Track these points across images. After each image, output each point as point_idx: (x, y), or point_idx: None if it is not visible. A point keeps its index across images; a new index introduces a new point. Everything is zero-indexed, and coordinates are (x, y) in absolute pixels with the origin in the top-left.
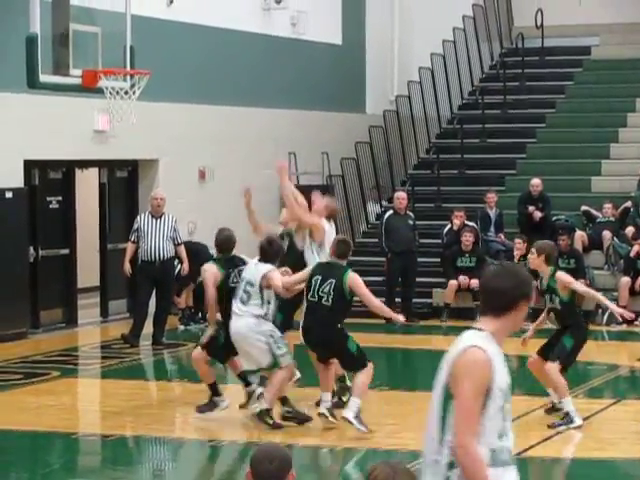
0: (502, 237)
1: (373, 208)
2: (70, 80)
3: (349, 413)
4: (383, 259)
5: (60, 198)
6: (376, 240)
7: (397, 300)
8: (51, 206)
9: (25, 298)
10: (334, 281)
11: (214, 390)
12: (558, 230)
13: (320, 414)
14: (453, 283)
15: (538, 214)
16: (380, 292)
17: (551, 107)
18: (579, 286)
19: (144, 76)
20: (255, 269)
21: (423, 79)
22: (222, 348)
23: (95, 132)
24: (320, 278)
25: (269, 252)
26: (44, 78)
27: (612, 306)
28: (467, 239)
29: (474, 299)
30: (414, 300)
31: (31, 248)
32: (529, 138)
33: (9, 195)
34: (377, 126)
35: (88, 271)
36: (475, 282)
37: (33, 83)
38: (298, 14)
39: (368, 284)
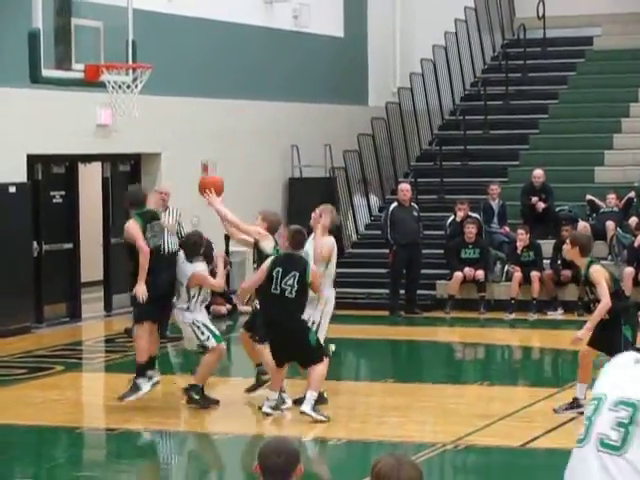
0: (506, 229)
1: (374, 201)
2: (72, 75)
3: (307, 407)
4: (386, 251)
5: (63, 193)
6: (379, 232)
7: (401, 292)
8: (54, 201)
9: (29, 293)
10: (297, 273)
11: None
12: (561, 221)
13: (266, 413)
14: (458, 275)
15: (541, 205)
16: (384, 284)
17: (554, 98)
18: (602, 290)
19: (146, 70)
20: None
21: (425, 71)
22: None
23: (98, 126)
24: (281, 270)
25: (188, 248)
26: (47, 73)
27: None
28: (470, 230)
29: (478, 290)
30: (418, 292)
31: (35, 243)
32: (532, 129)
33: (12, 190)
34: (379, 118)
35: (92, 265)
36: (480, 273)
37: (36, 78)
38: (300, 7)
39: (372, 276)
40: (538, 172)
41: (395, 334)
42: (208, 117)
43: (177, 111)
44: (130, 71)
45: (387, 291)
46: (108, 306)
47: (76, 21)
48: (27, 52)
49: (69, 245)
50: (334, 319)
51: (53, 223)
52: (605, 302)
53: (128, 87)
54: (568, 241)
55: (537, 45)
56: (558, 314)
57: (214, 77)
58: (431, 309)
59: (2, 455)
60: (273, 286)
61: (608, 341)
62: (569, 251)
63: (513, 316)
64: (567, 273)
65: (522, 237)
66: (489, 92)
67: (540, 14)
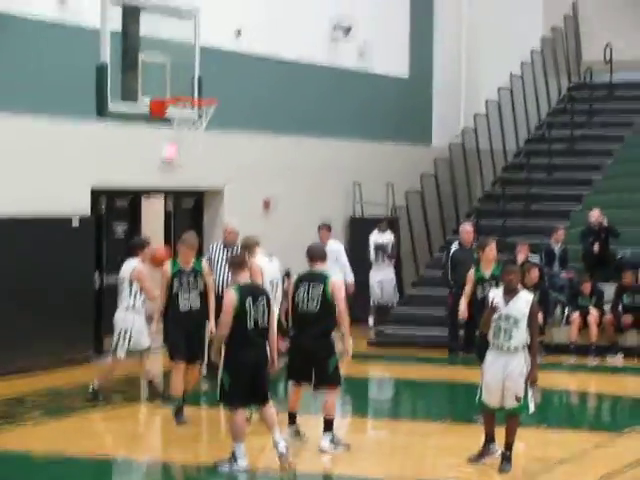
0: (570, 273)
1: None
2: (138, 109)
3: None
4: (446, 291)
5: (126, 226)
6: (439, 272)
7: (460, 333)
8: (117, 234)
9: (89, 323)
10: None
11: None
12: (623, 266)
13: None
14: None
15: (596, 247)
16: (443, 324)
17: (619, 141)
18: None
19: (211, 105)
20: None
21: (490, 112)
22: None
23: (162, 161)
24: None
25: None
26: (113, 107)
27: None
28: (533, 275)
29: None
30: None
31: (96, 274)
32: (596, 172)
33: (76, 224)
34: (443, 158)
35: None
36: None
37: (102, 112)
38: (365, 44)
39: (431, 316)
40: (594, 213)
41: (453, 375)
42: (271, 153)
43: (241, 147)
44: (195, 107)
45: (446, 331)
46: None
47: (143, 56)
48: (94, 86)
49: None
50: (393, 359)
51: (115, 256)
52: None
53: (193, 123)
54: None
55: (603, 89)
56: (618, 359)
57: (279, 114)
58: None
59: None
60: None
61: None
62: None
63: (573, 361)
64: (628, 318)
65: (586, 286)
66: (554, 135)
67: (607, 58)
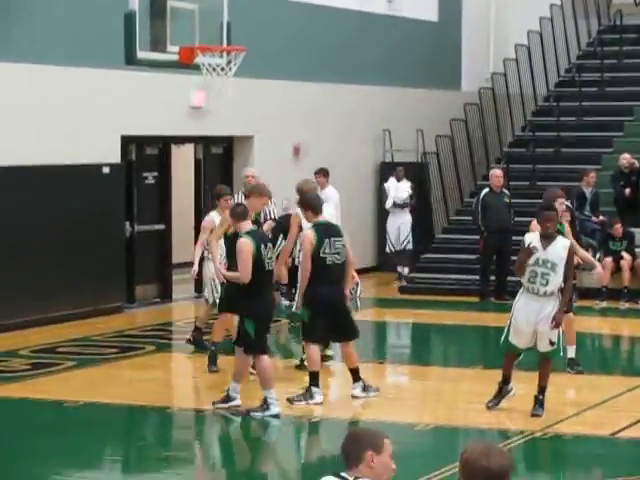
0: (600, 218)
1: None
2: (167, 57)
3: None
4: (477, 237)
5: (156, 174)
6: (469, 218)
7: (491, 278)
8: (147, 182)
9: (121, 273)
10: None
11: None
12: None
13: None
14: None
15: (626, 191)
16: (474, 270)
17: None
18: None
19: (240, 53)
20: None
21: (519, 56)
22: None
23: (191, 108)
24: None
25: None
26: (141, 55)
27: None
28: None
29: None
30: (508, 278)
31: (127, 223)
32: (626, 116)
33: (106, 170)
34: (472, 103)
35: (183, 247)
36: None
37: (131, 60)
38: None
39: (462, 262)
40: (625, 156)
41: (485, 320)
42: (301, 100)
43: (270, 94)
44: (224, 53)
45: (477, 277)
46: (199, 287)
47: (172, 3)
48: (123, 34)
49: (161, 226)
50: (424, 305)
51: (145, 204)
52: None
53: (222, 69)
54: None
55: (633, 31)
56: None
57: (307, 60)
58: None
59: (92, 433)
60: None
61: None
62: None
63: (604, 304)
64: None
65: (617, 229)
66: (584, 78)
67: (637, 0)
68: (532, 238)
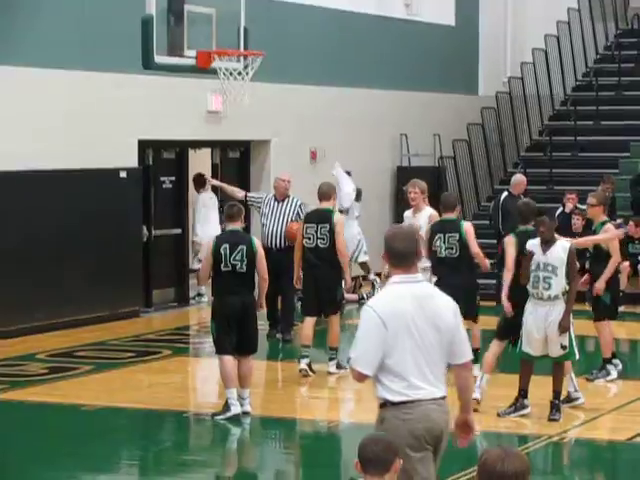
0: (617, 221)
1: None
2: (184, 61)
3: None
4: (494, 241)
5: (173, 178)
6: (487, 222)
7: None
8: (164, 186)
9: (138, 277)
10: (244, 247)
11: None
12: None
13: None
14: None
15: None
16: (491, 274)
17: None
18: None
19: (257, 57)
20: None
21: (537, 60)
22: None
23: (208, 113)
24: (228, 246)
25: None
26: (159, 59)
27: None
28: (575, 222)
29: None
30: None
31: (144, 227)
32: None
33: (123, 175)
34: (489, 107)
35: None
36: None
37: (148, 64)
38: None
39: (478, 267)
40: None
41: None
42: (318, 104)
43: (287, 98)
44: (241, 58)
45: (494, 281)
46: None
47: (189, 7)
48: (140, 38)
49: (178, 230)
50: None
51: (162, 208)
52: None
53: (239, 74)
54: None
55: None
56: None
57: (324, 65)
58: None
59: (109, 438)
60: (223, 264)
61: None
62: None
63: (622, 309)
64: None
65: (633, 230)
66: (601, 82)
67: None
68: (532, 245)
